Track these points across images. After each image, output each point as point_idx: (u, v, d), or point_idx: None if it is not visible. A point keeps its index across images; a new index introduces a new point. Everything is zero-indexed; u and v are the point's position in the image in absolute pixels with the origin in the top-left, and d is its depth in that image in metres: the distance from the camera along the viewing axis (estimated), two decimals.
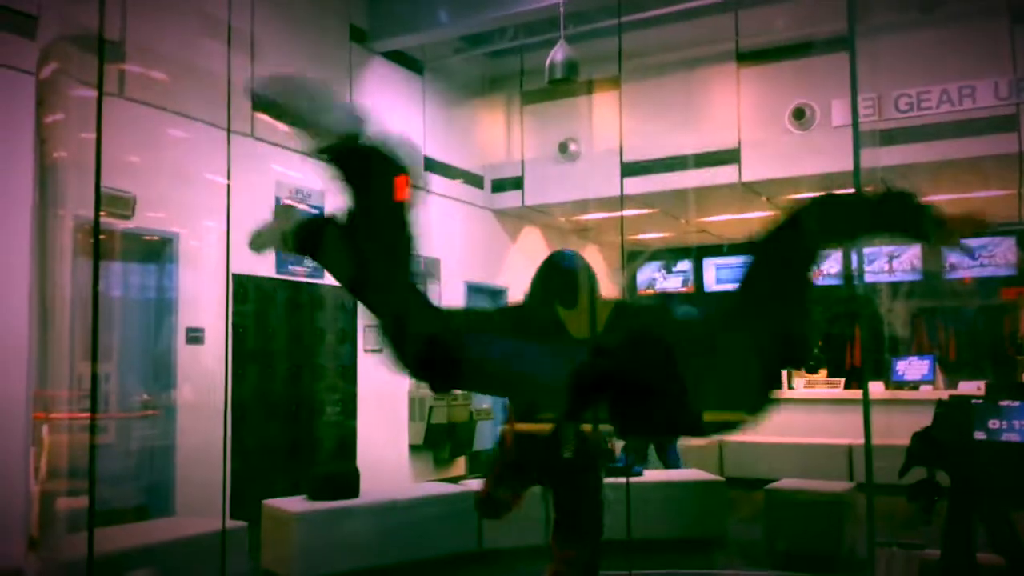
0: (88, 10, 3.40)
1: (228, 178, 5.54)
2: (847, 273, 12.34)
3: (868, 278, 11.44)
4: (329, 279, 7.99)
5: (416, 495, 6.14)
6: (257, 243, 2.73)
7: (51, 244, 5.40)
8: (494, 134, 10.64)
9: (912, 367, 9.31)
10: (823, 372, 11.04)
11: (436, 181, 9.67)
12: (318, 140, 2.43)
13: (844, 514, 5.84)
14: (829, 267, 12.86)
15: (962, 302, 11.88)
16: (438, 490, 6.31)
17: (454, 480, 6.97)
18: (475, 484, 6.38)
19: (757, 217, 10.95)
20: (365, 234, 2.40)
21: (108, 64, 6.20)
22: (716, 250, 13.33)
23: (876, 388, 9.14)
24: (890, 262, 11.94)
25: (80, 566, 2.79)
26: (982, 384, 8.71)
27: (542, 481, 3.58)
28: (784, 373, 10.83)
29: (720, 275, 13.65)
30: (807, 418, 9.22)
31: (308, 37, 8.07)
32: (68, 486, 4.59)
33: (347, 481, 5.78)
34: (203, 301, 6.68)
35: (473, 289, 10.24)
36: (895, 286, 11.66)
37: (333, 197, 8.19)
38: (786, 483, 6.24)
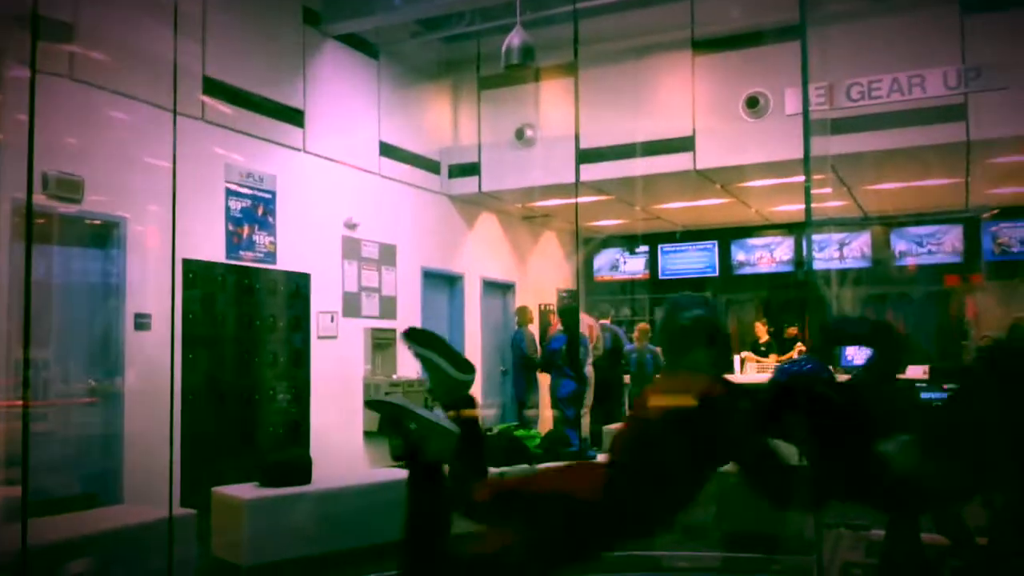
0: None
1: (174, 161, 5.42)
2: (798, 260, 12.54)
3: (818, 265, 11.62)
4: (281, 264, 7.90)
5: (368, 481, 6.11)
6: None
7: None
8: (450, 119, 10.58)
9: (860, 351, 9.46)
10: (773, 356, 11.22)
11: (393, 166, 9.59)
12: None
13: None
14: (782, 254, 13.05)
15: (910, 289, 12.12)
16: (391, 476, 6.28)
17: None
18: None
19: (710, 204, 11.06)
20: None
21: (58, 45, 6.04)
22: (670, 237, 13.44)
23: None
24: (841, 249, 12.13)
25: (18, 557, 2.72)
26: (927, 368, 8.91)
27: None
28: (736, 358, 11.00)
29: (672, 262, 13.77)
30: None
31: (260, 20, 7.93)
32: (5, 476, 4.49)
33: (298, 467, 5.74)
34: (151, 286, 6.56)
35: (429, 275, 10.20)
36: (844, 273, 11.86)
37: (283, 180, 7.96)
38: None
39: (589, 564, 2.76)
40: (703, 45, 9.13)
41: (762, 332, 11.67)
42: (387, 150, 9.52)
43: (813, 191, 5.03)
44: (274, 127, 7.97)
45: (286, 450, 7.59)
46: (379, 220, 9.31)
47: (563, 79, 9.57)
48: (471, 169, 10.29)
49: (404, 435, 2.72)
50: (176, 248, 6.27)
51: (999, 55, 7.77)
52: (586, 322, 10.39)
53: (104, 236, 6.44)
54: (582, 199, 10.49)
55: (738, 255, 13.22)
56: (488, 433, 7.01)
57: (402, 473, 6.28)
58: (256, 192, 7.72)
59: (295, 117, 8.22)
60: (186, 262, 6.96)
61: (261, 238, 7.74)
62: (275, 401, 7.80)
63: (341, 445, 8.51)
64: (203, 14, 7.20)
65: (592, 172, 9.32)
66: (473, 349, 10.93)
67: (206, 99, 7.22)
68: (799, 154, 5.05)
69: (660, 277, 13.72)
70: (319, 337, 8.34)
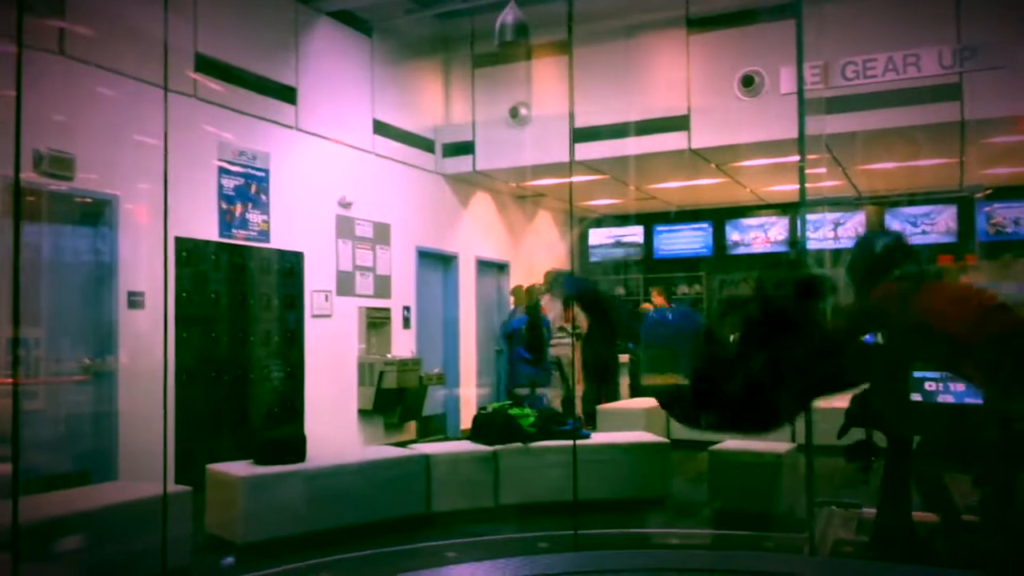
0: None
1: (165, 139, 5.39)
2: (792, 239, 12.53)
3: (813, 245, 11.61)
4: (275, 243, 7.88)
5: (363, 459, 6.12)
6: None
7: None
8: (444, 97, 10.52)
9: None
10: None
11: (386, 145, 9.55)
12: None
13: (784, 474, 5.98)
14: (776, 234, 13.04)
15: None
16: (385, 454, 6.30)
17: (404, 444, 6.96)
18: (425, 447, 6.40)
19: (705, 184, 11.04)
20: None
21: (49, 21, 5.98)
22: (664, 217, 13.44)
23: None
24: (835, 229, 12.12)
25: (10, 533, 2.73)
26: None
27: None
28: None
29: (667, 242, 13.76)
30: None
31: None
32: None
33: (293, 445, 5.74)
34: (144, 265, 6.55)
35: (424, 254, 10.19)
36: (837, 253, 11.86)
37: (276, 159, 7.93)
38: (729, 444, 6.35)
39: None
40: (698, 23, 9.08)
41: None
42: (381, 128, 9.47)
43: (808, 171, 5.01)
44: (267, 104, 7.93)
45: (281, 428, 7.61)
46: (373, 198, 9.29)
47: (557, 57, 9.52)
48: (465, 148, 10.25)
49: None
50: (168, 226, 6.25)
51: (994, 34, 7.74)
52: (544, 301, 10.25)
53: (96, 214, 6.41)
54: (576, 178, 10.47)
55: (732, 235, 13.22)
56: (483, 411, 7.03)
57: (399, 452, 6.30)
58: (249, 170, 7.68)
59: (288, 94, 8.17)
60: (179, 240, 6.94)
61: (254, 216, 7.71)
62: (269, 380, 7.81)
63: (337, 423, 8.54)
64: None
65: (586, 151, 9.30)
66: (468, 329, 10.94)
67: (198, 76, 7.17)
68: (794, 133, 5.03)
69: (654, 257, 13.71)
70: (313, 316, 8.34)
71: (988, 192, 10.12)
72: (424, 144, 10.24)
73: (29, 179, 5.77)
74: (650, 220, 13.61)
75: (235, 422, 7.39)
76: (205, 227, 7.25)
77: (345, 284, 8.83)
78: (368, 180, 9.24)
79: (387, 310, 9.38)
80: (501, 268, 11.92)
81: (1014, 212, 11.39)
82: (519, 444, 6.39)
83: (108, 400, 6.34)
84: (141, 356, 6.41)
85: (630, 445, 6.74)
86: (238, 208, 7.54)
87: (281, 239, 8.00)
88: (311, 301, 8.32)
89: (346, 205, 8.85)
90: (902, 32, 8.14)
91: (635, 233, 13.81)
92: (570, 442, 6.11)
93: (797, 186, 4.98)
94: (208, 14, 7.26)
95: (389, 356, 9.07)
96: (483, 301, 11.37)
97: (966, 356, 3.35)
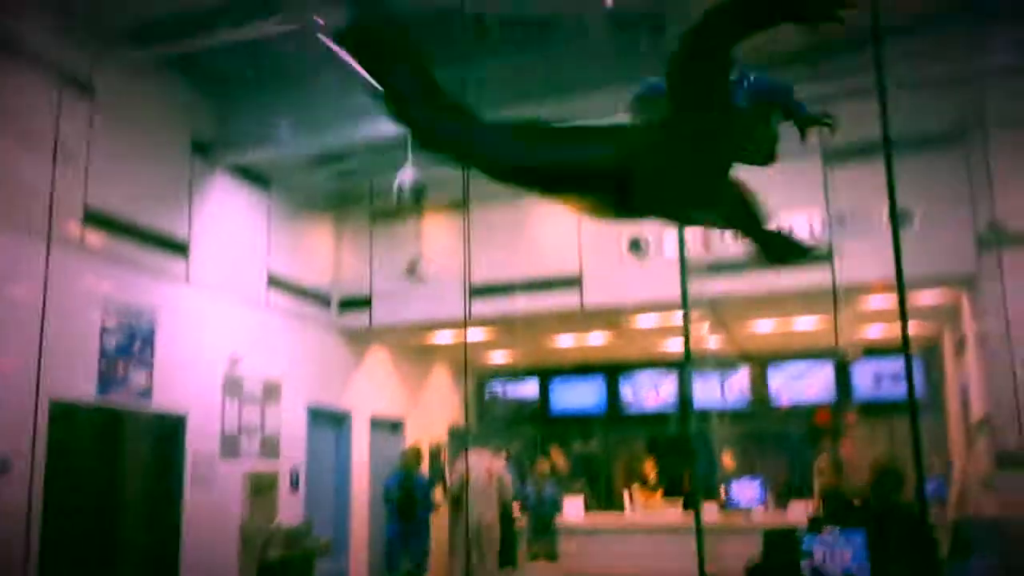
0: None
1: (44, 294, 5.19)
2: (682, 397, 12.80)
3: (701, 404, 11.89)
4: (157, 402, 7.52)
5: None
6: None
7: None
8: (341, 252, 10.54)
9: (744, 488, 9.62)
10: (660, 492, 11.30)
11: (281, 299, 9.44)
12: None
13: None
14: (666, 392, 13.32)
15: (786, 427, 12.54)
16: None
17: None
18: None
19: (597, 341, 11.28)
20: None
21: None
22: (560, 371, 13.60)
23: (712, 509, 9.37)
24: (722, 387, 12.50)
25: None
26: (811, 503, 9.08)
27: None
28: (625, 492, 10.99)
29: (566, 395, 13.88)
30: (646, 542, 9.36)
31: (147, 149, 7.80)
32: None
33: None
34: (11, 426, 6.12)
35: (315, 412, 9.90)
36: (722, 413, 12.16)
37: (165, 313, 7.65)
38: None
39: None
40: None
41: (651, 470, 11.84)
42: (275, 282, 9.38)
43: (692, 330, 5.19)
44: (157, 258, 7.77)
45: None
46: (264, 355, 9.06)
47: (454, 214, 9.71)
48: (362, 302, 10.21)
49: None
50: (41, 386, 5.91)
51: (859, 202, 8.22)
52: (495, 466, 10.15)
53: None
54: (472, 334, 10.51)
55: (626, 390, 13.47)
56: None
57: None
58: (134, 325, 7.41)
59: (179, 248, 8.04)
60: (53, 403, 6.51)
61: (137, 375, 7.37)
62: (140, 552, 7.26)
63: None
64: (87, 142, 7.03)
65: (483, 307, 9.38)
66: (360, 490, 10.55)
67: (85, 228, 7.00)
68: (678, 294, 5.23)
69: (551, 414, 13.78)
70: (193, 482, 7.88)
71: (859, 352, 10.59)
72: (320, 299, 10.17)
73: None
74: (547, 374, 13.74)
75: None
76: (83, 386, 6.87)
77: (230, 447, 8.43)
78: (260, 335, 9.04)
79: (274, 474, 8.99)
80: (395, 427, 11.62)
81: (887, 369, 11.98)
82: None
83: None
84: (2, 526, 5.89)
85: None
86: (119, 366, 7.21)
87: (165, 398, 7.64)
88: (192, 466, 7.88)
89: (235, 362, 8.58)
90: (776, 198, 8.62)
91: (531, 387, 13.90)
92: None
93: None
94: (99, 166, 7.15)
95: (273, 525, 8.62)
96: (376, 461, 10.99)
97: None
